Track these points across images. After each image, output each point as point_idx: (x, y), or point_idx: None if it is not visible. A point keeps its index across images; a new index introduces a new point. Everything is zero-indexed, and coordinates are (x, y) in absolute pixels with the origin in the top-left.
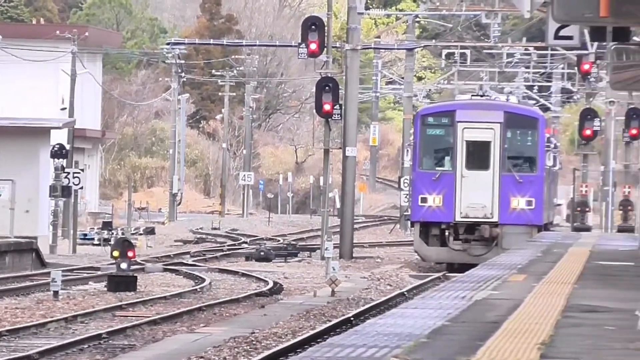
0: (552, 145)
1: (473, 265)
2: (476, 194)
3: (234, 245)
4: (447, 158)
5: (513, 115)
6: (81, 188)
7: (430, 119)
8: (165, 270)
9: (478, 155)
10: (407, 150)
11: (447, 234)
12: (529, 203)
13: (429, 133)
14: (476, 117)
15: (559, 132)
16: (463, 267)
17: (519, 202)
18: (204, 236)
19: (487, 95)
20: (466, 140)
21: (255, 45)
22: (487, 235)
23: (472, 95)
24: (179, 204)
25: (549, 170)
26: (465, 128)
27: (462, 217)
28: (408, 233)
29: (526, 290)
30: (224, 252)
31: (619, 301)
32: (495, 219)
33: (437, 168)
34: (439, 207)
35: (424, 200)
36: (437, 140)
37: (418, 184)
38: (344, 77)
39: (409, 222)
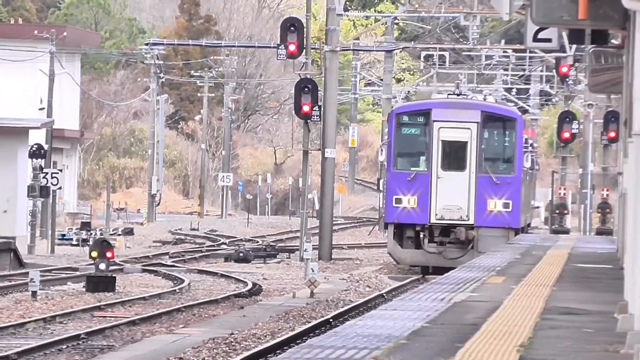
0: (530, 147)
1: (448, 269)
2: (452, 196)
3: (213, 246)
4: (422, 158)
5: (490, 114)
6: (59, 188)
7: (405, 118)
8: (144, 271)
9: (454, 155)
10: (382, 150)
11: (422, 236)
12: (505, 205)
13: (404, 132)
14: (452, 117)
15: (538, 134)
16: (438, 271)
17: (495, 204)
18: (182, 237)
19: (464, 94)
20: (442, 140)
21: (234, 46)
22: (462, 238)
23: (449, 94)
24: (158, 204)
25: (526, 172)
26: (441, 127)
27: (437, 219)
28: (387, 235)
29: (505, 292)
30: (203, 253)
31: (597, 304)
32: (471, 221)
33: (412, 168)
34: (413, 209)
35: (399, 201)
36: (412, 139)
37: (392, 185)
38: (323, 79)
39: None
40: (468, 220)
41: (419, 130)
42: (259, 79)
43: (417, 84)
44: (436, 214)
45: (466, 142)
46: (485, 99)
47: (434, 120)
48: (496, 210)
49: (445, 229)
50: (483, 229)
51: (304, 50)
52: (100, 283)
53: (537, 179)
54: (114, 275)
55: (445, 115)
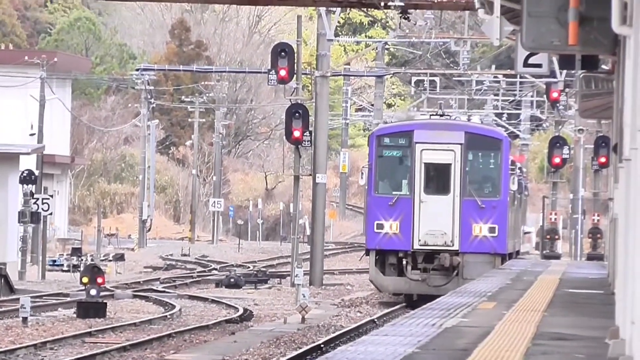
0: (518, 170)
1: (432, 297)
2: (435, 220)
3: (204, 271)
4: (404, 181)
5: (475, 136)
6: (50, 214)
7: (387, 140)
8: (134, 296)
9: (437, 178)
10: (362, 173)
11: (404, 262)
12: (491, 230)
13: (385, 154)
14: (435, 138)
15: (528, 159)
16: (422, 299)
17: (481, 229)
18: (173, 262)
19: (447, 115)
20: (425, 163)
21: (224, 71)
22: (447, 265)
23: (431, 115)
24: (149, 230)
25: (513, 195)
26: (423, 149)
27: (420, 245)
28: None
29: (496, 317)
30: (194, 279)
31: (588, 329)
32: (455, 247)
33: (394, 192)
34: (395, 234)
35: (380, 226)
36: (393, 162)
37: (373, 209)
38: (314, 104)
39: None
40: (452, 245)
41: (400, 153)
42: (250, 104)
43: (409, 109)
44: (419, 240)
45: (450, 165)
46: (469, 120)
47: (417, 142)
48: (482, 235)
49: (429, 255)
50: (468, 255)
51: (295, 75)
52: (91, 309)
53: (528, 204)
54: (104, 301)
55: (427, 137)
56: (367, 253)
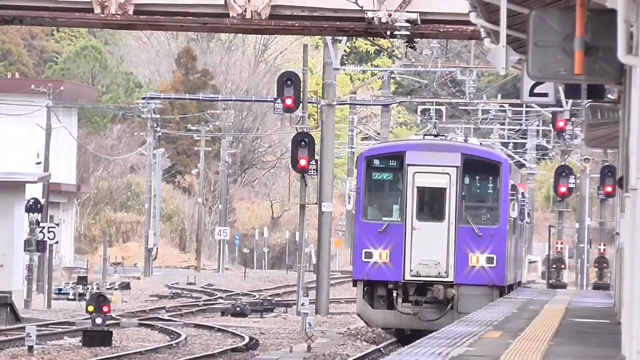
0: (521, 195)
1: (425, 332)
2: (429, 249)
3: (210, 300)
4: (395, 207)
5: (472, 158)
6: (56, 242)
7: (377, 162)
8: (140, 325)
9: (431, 204)
10: (350, 198)
11: (395, 295)
12: (489, 260)
13: (375, 178)
14: (429, 160)
15: (535, 188)
16: (415, 334)
17: (478, 259)
18: (179, 291)
19: (442, 135)
20: (417, 187)
21: (230, 100)
22: (441, 297)
23: (425, 135)
24: (155, 258)
25: (514, 223)
26: (416, 172)
27: (412, 276)
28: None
29: (502, 347)
30: (200, 307)
31: (594, 359)
32: (450, 278)
33: (384, 218)
34: (385, 264)
35: (369, 255)
36: (384, 186)
37: (362, 237)
38: (320, 133)
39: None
40: (447, 277)
41: (391, 176)
42: (256, 133)
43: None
44: (411, 270)
45: (445, 189)
46: (466, 141)
47: (409, 164)
48: (479, 265)
49: (422, 286)
50: (464, 287)
51: (301, 104)
52: (96, 337)
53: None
54: (110, 330)
55: (421, 159)
56: (355, 284)
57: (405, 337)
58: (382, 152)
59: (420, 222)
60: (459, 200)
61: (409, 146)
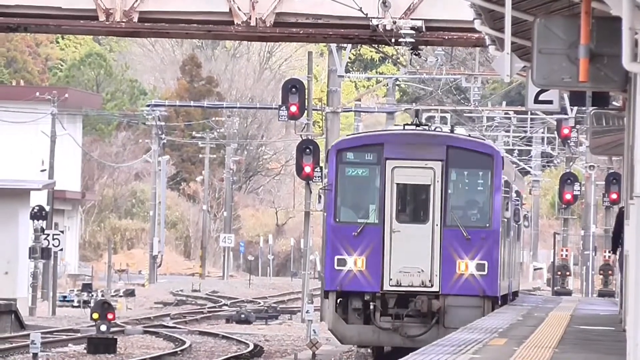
0: (515, 195)
1: (407, 350)
2: (411, 255)
3: (215, 307)
4: (372, 207)
5: (459, 150)
6: (61, 250)
7: (350, 155)
8: (145, 332)
9: (413, 203)
10: (320, 196)
11: (372, 307)
12: (480, 267)
13: (349, 173)
14: (411, 153)
15: (539, 195)
16: (396, 352)
17: (466, 266)
18: (184, 298)
19: (425, 124)
20: (397, 184)
21: (235, 107)
22: (425, 310)
23: (406, 125)
24: (159, 265)
25: (508, 224)
26: (395, 167)
27: (392, 286)
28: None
29: (507, 354)
30: (205, 315)
31: None
32: (435, 288)
33: (359, 220)
34: (361, 272)
35: (342, 262)
36: (359, 183)
37: (334, 241)
38: (325, 140)
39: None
40: (432, 286)
41: (367, 171)
42: (261, 140)
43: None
44: (390, 279)
45: (428, 186)
46: (452, 131)
47: (387, 158)
48: (468, 273)
49: (403, 298)
50: (451, 298)
51: (306, 111)
52: (101, 345)
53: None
54: (115, 337)
55: (401, 152)
56: (326, 295)
57: (384, 356)
58: (357, 144)
59: (400, 224)
60: (445, 199)
61: (388, 137)
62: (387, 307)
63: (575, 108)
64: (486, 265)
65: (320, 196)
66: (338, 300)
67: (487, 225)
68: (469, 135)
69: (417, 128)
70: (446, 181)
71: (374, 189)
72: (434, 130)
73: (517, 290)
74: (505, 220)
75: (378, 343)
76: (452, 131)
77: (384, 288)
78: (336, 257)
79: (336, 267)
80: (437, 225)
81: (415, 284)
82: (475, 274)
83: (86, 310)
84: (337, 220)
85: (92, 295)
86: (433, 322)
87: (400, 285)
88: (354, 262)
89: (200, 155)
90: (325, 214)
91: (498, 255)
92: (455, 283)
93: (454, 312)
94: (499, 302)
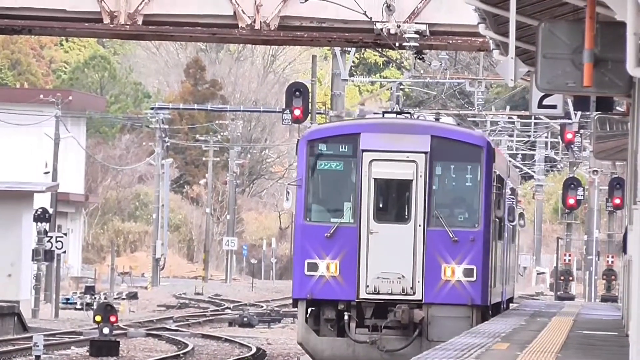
0: (510, 191)
1: None
2: (390, 259)
3: (217, 310)
4: (347, 205)
5: (444, 141)
6: (64, 252)
7: (322, 147)
8: (148, 335)
9: (393, 200)
10: (288, 192)
11: (347, 318)
12: (467, 272)
13: (321, 167)
14: (390, 145)
15: (543, 200)
16: None
17: (453, 271)
18: (187, 301)
19: (407, 113)
20: (375, 179)
21: (239, 110)
22: (406, 321)
23: (385, 112)
24: (162, 268)
25: (500, 224)
26: (373, 160)
27: (369, 293)
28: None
29: (510, 359)
30: (207, 318)
31: None
32: (418, 296)
33: (333, 220)
34: (334, 278)
35: (313, 267)
36: (332, 178)
37: (304, 244)
38: None
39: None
40: (413, 294)
41: (341, 165)
42: (264, 144)
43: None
44: (367, 286)
45: (410, 181)
46: (437, 120)
47: (364, 150)
48: (454, 279)
49: (381, 307)
50: (435, 308)
51: (309, 115)
52: (103, 347)
53: (543, 245)
54: (117, 340)
55: (379, 143)
56: (295, 304)
57: None
58: (330, 135)
59: (379, 225)
60: (429, 196)
61: (364, 127)
62: (363, 317)
63: (579, 113)
64: (475, 271)
65: (288, 192)
66: (308, 310)
67: (476, 225)
68: (457, 124)
69: (398, 116)
70: (430, 176)
71: (350, 185)
72: (417, 118)
73: (512, 297)
74: (497, 219)
75: (353, 358)
76: (437, 120)
77: (360, 296)
78: (306, 261)
79: (306, 273)
80: (419, 225)
81: (395, 292)
82: (462, 281)
83: (89, 313)
84: (308, 219)
85: (95, 298)
86: (415, 335)
87: (378, 293)
88: (327, 267)
89: (204, 158)
90: (294, 212)
91: (489, 259)
92: (440, 291)
93: (438, 323)
94: (490, 312)
